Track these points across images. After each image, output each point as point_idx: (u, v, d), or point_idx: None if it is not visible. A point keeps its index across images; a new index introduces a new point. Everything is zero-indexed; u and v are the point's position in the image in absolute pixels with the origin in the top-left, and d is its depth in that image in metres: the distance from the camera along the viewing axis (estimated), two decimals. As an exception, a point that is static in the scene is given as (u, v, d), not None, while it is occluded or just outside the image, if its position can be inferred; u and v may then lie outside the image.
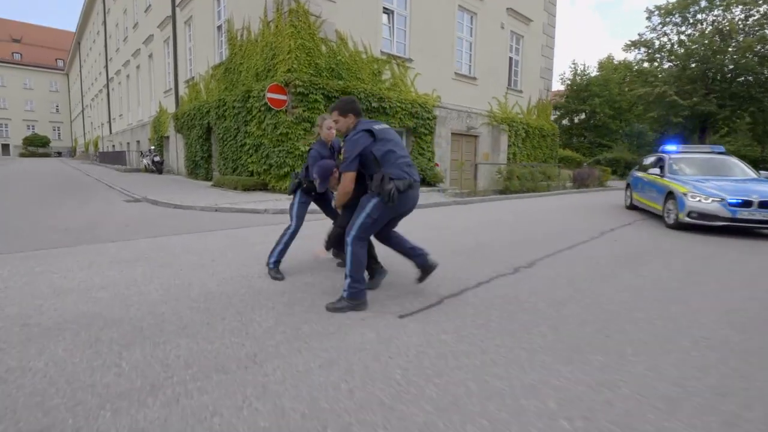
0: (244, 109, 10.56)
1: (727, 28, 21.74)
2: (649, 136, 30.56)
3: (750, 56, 21.09)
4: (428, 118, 12.33)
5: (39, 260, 3.87)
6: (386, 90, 11.16)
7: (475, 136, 15.02)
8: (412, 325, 2.63)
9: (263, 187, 10.05)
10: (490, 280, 3.66)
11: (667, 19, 24.14)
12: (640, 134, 30.50)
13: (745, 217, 6.32)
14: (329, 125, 3.33)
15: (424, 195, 10.75)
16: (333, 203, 3.69)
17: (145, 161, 18.08)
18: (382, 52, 11.27)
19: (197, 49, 14.47)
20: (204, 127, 13.28)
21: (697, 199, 6.65)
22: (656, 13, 24.45)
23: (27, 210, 7.16)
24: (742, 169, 8.02)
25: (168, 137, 17.96)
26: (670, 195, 7.34)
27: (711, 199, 6.54)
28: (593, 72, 35.33)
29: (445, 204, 9.31)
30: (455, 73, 13.81)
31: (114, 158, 24.42)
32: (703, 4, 22.69)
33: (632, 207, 9.60)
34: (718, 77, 22.85)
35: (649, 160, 9.59)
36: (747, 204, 6.31)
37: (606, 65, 35.69)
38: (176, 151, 16.93)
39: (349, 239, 2.76)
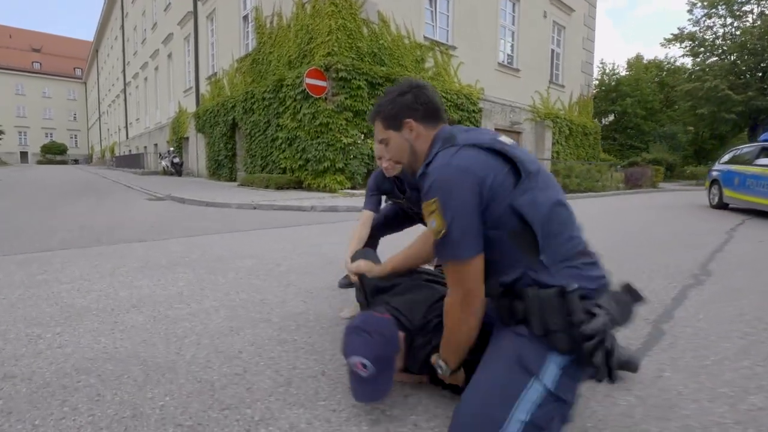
0: (275, 99, 9.58)
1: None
2: (680, 137, 29.05)
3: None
4: (473, 111, 11.22)
5: (43, 264, 2.82)
6: (429, 79, 10.10)
7: (519, 133, 13.85)
8: (672, 375, 1.49)
9: (298, 185, 9.01)
10: (683, 294, 2.51)
11: (712, 11, 22.77)
12: (673, 135, 29.05)
13: None
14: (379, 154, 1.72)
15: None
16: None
17: (163, 163, 17.27)
18: (425, 38, 10.24)
19: (220, 43, 13.64)
20: (228, 124, 12.35)
21: (842, 191, 5.40)
22: (698, 5, 23.12)
23: (33, 210, 6.21)
24: None
25: (187, 138, 17.15)
26: (794, 188, 6.08)
27: None
28: (622, 72, 33.98)
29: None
30: (498, 63, 12.72)
31: (131, 162, 23.81)
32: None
33: (721, 205, 8.31)
34: (770, 70, 21.38)
35: (744, 150, 8.31)
36: None
37: (636, 65, 34.25)
38: (196, 152, 16.08)
39: None
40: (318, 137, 8.26)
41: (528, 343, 1.02)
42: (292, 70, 9.15)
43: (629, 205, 8.91)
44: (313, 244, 3.70)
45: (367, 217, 2.15)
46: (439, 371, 1.19)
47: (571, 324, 0.98)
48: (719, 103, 20.88)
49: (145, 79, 23.58)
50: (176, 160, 16.39)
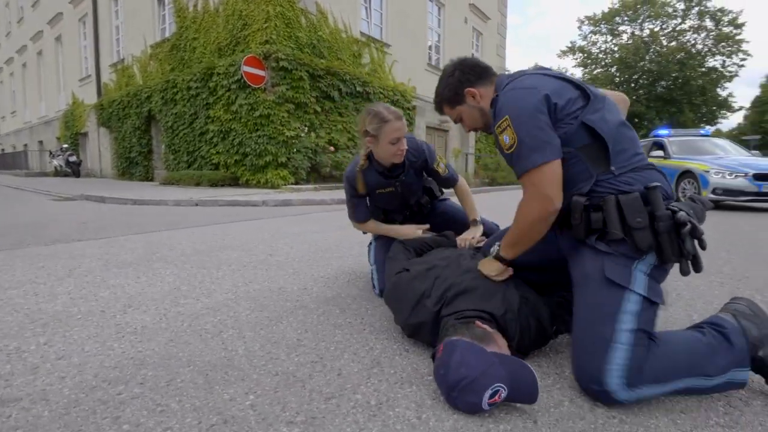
0: (204, 89, 8.76)
1: (648, 37, 24.20)
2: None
3: (671, 60, 23.68)
4: (408, 109, 11.47)
5: (-37, 271, 2.20)
6: (366, 74, 10.08)
7: (446, 131, 14.50)
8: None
9: (234, 182, 8.36)
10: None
11: (596, 28, 26.30)
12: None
13: (770, 190, 6.27)
14: (395, 134, 1.64)
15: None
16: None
17: (55, 162, 14.78)
18: (362, 33, 10.20)
19: (128, 26, 12.11)
20: (142, 117, 11.01)
21: (721, 175, 6.52)
22: (586, 22, 26.54)
23: None
24: (734, 148, 8.17)
25: (86, 134, 14.94)
26: (684, 175, 7.20)
27: (735, 174, 6.43)
28: (524, 79, 37.58)
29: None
30: (428, 64, 13.18)
31: (7, 162, 20.07)
32: (625, 19, 25.10)
33: (624, 193, 9.57)
34: (640, 81, 25.34)
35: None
36: (768, 177, 6.28)
37: (534, 73, 38.08)
38: (98, 149, 14.08)
39: (613, 390, 0.99)
40: (257, 130, 7.74)
41: (611, 259, 1.07)
42: (224, 58, 8.46)
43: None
44: (295, 233, 3.44)
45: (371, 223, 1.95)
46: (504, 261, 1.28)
47: (654, 219, 1.04)
48: (606, 108, 24.22)
49: (24, 65, 20.04)
50: (72, 158, 14.13)
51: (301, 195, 6.49)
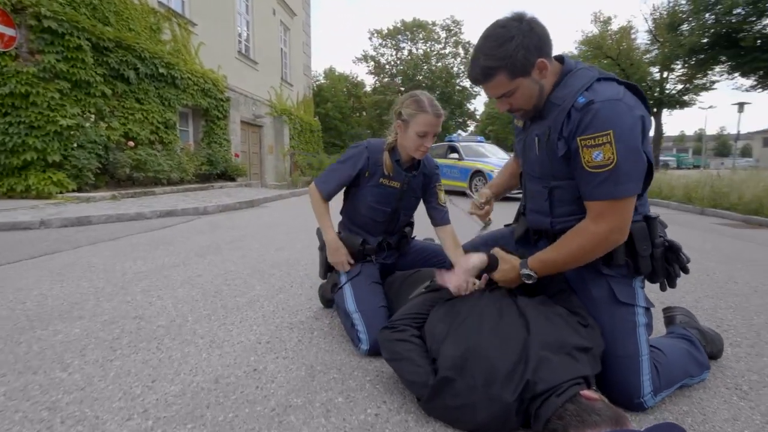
0: None
1: (422, 56, 28.82)
2: (365, 135, 37.06)
3: (437, 77, 28.85)
4: (222, 100, 10.15)
5: None
6: (169, 55, 8.35)
7: (260, 126, 13.59)
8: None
9: (-38, 190, 5.55)
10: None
11: (383, 42, 29.59)
12: (360, 136, 36.65)
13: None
14: (425, 128, 1.48)
15: (250, 190, 8.93)
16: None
17: None
18: (160, 4, 8.36)
19: None
20: None
21: (503, 174, 8.38)
22: (375, 35, 29.50)
23: None
24: (499, 151, 10.53)
25: None
26: (476, 174, 8.88)
27: (511, 175, 8.36)
28: (321, 80, 39.01)
29: (286, 197, 7.99)
30: (238, 52, 11.96)
31: None
32: (406, 37, 29.16)
33: (429, 190, 11.16)
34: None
35: (435, 147, 11.35)
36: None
37: (331, 75, 40.02)
38: None
39: (645, 399, 1.11)
40: (7, 114, 5.30)
41: (615, 282, 1.17)
42: None
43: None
44: (147, 273, 2.45)
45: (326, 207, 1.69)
46: (528, 280, 1.21)
47: (653, 246, 1.15)
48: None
49: None
50: None
51: (100, 208, 4.84)
